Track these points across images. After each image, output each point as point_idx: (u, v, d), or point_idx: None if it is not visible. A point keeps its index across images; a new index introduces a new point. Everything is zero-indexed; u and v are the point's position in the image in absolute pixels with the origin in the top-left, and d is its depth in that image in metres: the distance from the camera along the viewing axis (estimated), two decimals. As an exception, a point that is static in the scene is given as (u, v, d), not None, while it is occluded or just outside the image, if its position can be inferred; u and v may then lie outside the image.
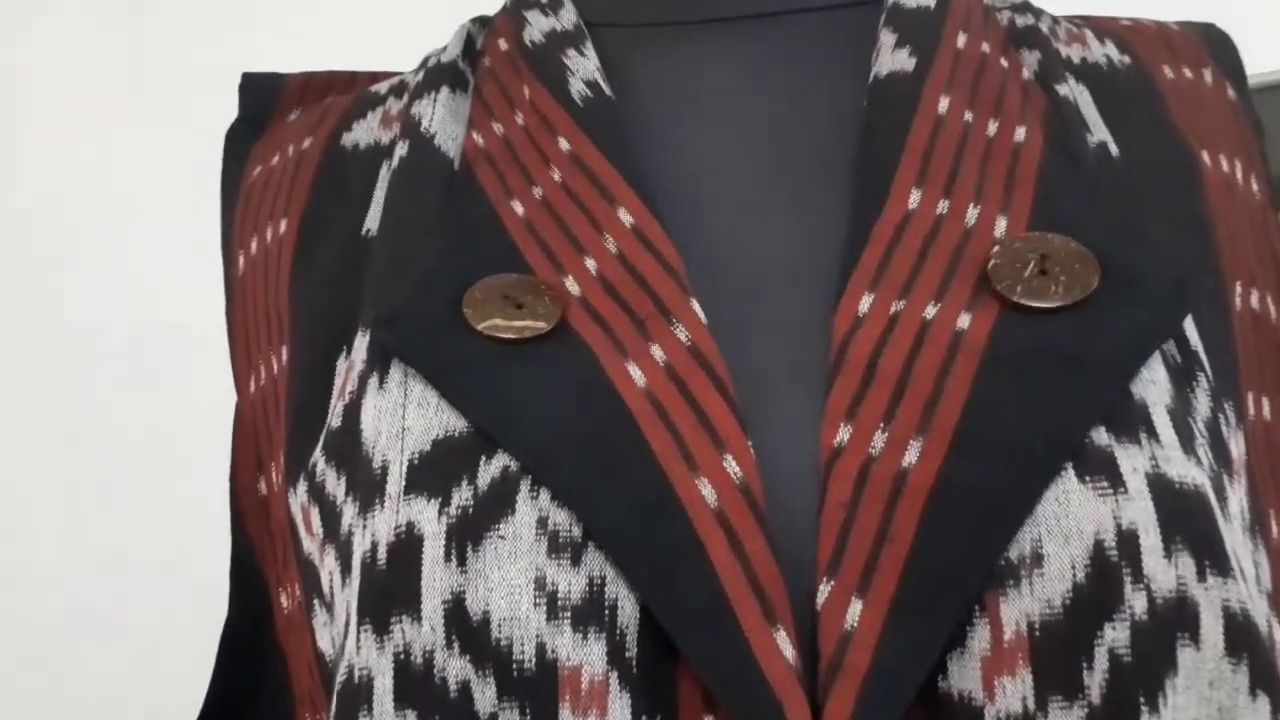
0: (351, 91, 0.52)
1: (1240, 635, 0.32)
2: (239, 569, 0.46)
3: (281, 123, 0.52)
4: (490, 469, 0.34)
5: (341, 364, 0.42)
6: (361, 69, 0.55)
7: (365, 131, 0.48)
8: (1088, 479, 0.33)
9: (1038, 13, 0.50)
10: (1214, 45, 0.51)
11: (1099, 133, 0.44)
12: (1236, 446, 0.40)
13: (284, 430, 0.44)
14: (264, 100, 0.52)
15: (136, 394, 0.98)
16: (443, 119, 0.45)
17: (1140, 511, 0.32)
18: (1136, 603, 0.31)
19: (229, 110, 0.53)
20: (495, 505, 0.33)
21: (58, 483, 0.99)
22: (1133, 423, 0.34)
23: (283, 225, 0.47)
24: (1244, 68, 0.53)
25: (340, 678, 0.35)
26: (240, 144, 0.51)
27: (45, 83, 1.01)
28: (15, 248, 1.00)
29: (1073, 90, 0.45)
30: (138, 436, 0.97)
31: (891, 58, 0.43)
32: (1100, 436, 0.33)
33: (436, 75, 0.47)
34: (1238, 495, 0.38)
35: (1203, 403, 0.38)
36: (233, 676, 0.45)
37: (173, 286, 0.68)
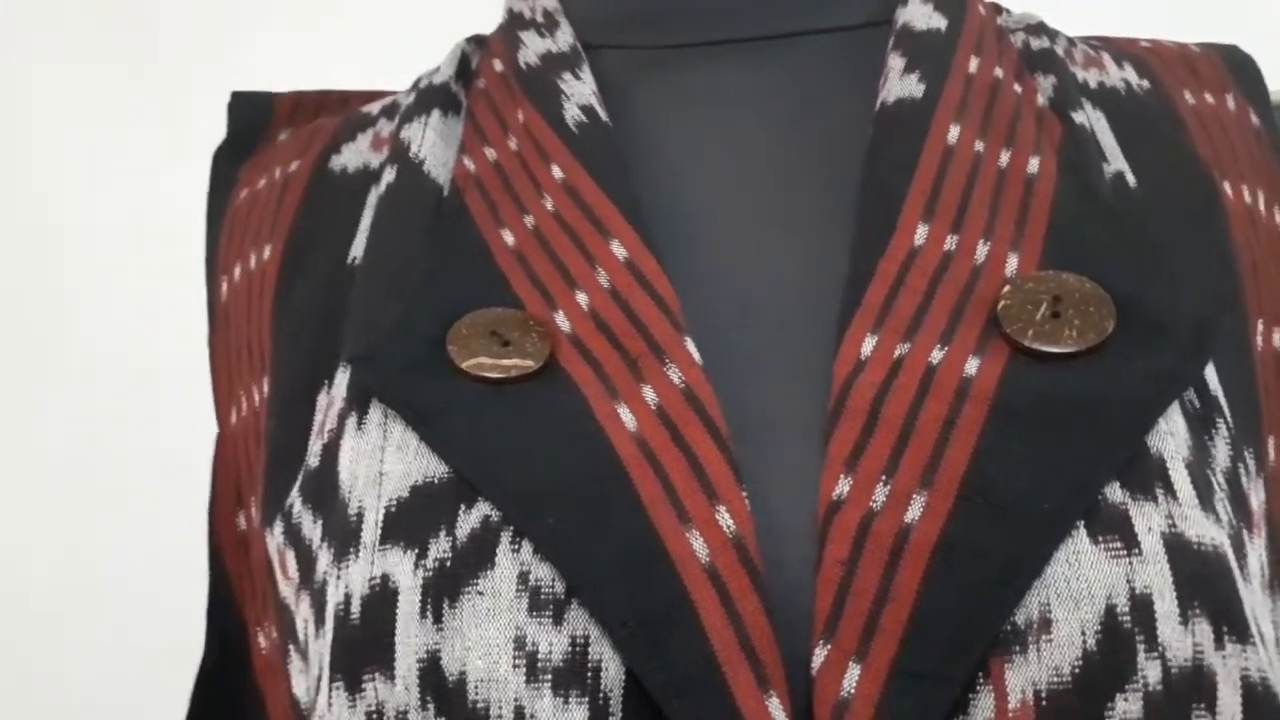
0: (343, 112, 0.50)
1: (1260, 706, 0.30)
2: (216, 605, 0.45)
3: (271, 144, 0.50)
4: (470, 519, 0.33)
5: (322, 399, 0.40)
6: (360, 87, 0.54)
7: (354, 154, 0.47)
8: (1100, 539, 0.31)
9: (1053, 34, 0.48)
10: (1237, 69, 0.50)
11: (1116, 162, 0.43)
12: (1257, 497, 0.38)
13: (262, 465, 0.42)
14: (253, 121, 0.51)
15: (142, 414, 0.97)
16: (433, 143, 0.43)
17: (1155, 574, 0.31)
18: (1150, 672, 0.30)
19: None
20: (474, 558, 0.32)
21: (61, 503, 0.98)
22: (1148, 479, 0.32)
23: (267, 251, 0.46)
24: (1268, 92, 0.51)
25: None
26: (227, 166, 0.50)
27: (45, 100, 1.01)
28: (15, 265, 0.99)
29: (1089, 117, 0.44)
30: (143, 457, 0.96)
31: (900, 84, 0.42)
32: (1114, 493, 0.32)
33: (428, 97, 0.45)
34: (1257, 551, 0.36)
35: (1222, 452, 0.36)
36: (210, 715, 0.44)
37: (178, 306, 0.67)
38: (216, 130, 0.52)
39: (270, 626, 0.42)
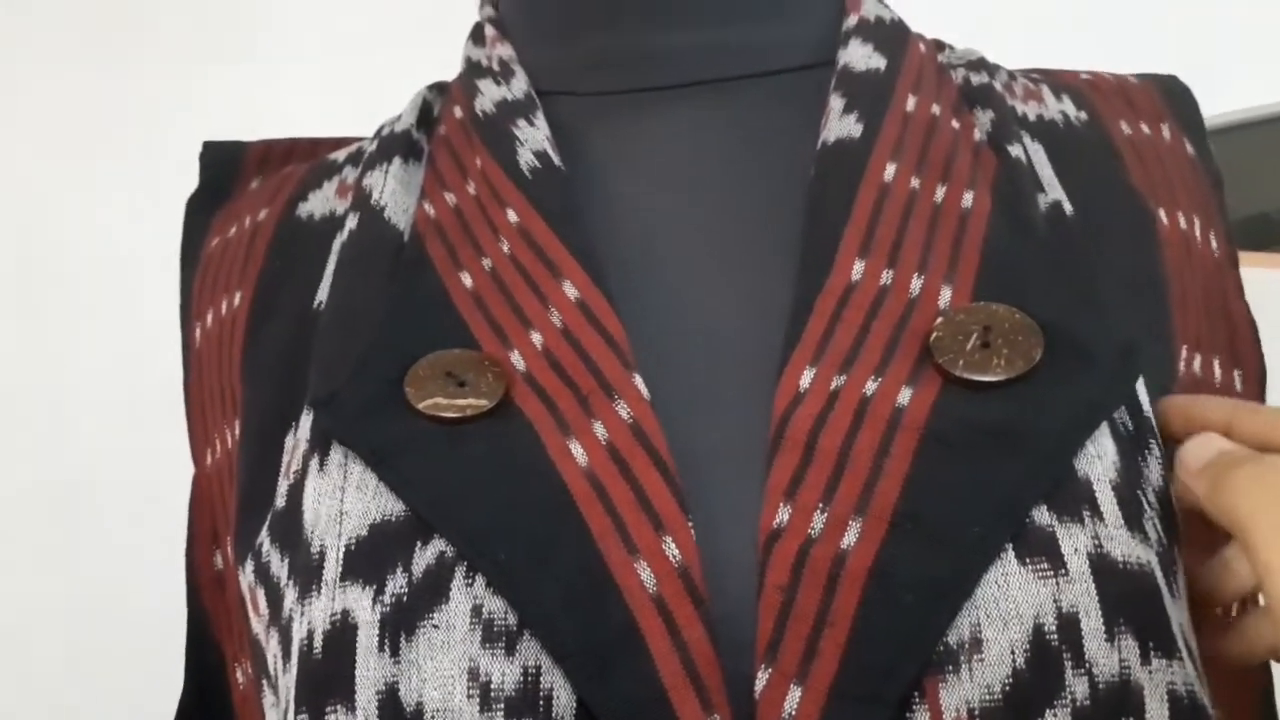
0: (312, 160, 0.52)
1: (1185, 718, 0.32)
2: (195, 643, 0.46)
3: (242, 192, 0.52)
4: (426, 555, 0.34)
5: (289, 441, 0.41)
6: (329, 132, 0.56)
7: (321, 201, 0.49)
8: (1028, 561, 0.32)
9: (994, 70, 0.50)
10: (1173, 99, 0.51)
11: (1053, 192, 0.44)
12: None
13: (235, 506, 0.43)
14: (224, 169, 0.52)
15: (131, 446, 0.98)
16: (393, 190, 0.45)
17: (1082, 594, 0.32)
18: (1078, 688, 0.31)
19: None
20: (429, 593, 0.33)
21: (50, 535, 0.99)
22: (1075, 501, 0.34)
23: (237, 298, 0.47)
24: (1203, 121, 0.53)
25: None
26: (200, 214, 0.51)
27: (20, 139, 1.02)
28: (9, 301, 1.00)
29: (1027, 149, 0.45)
30: (132, 491, 0.96)
31: (839, 124, 0.43)
32: (1042, 516, 0.33)
33: (389, 145, 0.47)
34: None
35: (1154, 472, 0.37)
36: None
37: (159, 344, 0.69)
38: (191, 170, 0.53)
39: (246, 663, 0.44)
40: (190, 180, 0.53)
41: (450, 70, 0.53)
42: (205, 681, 0.46)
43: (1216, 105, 0.88)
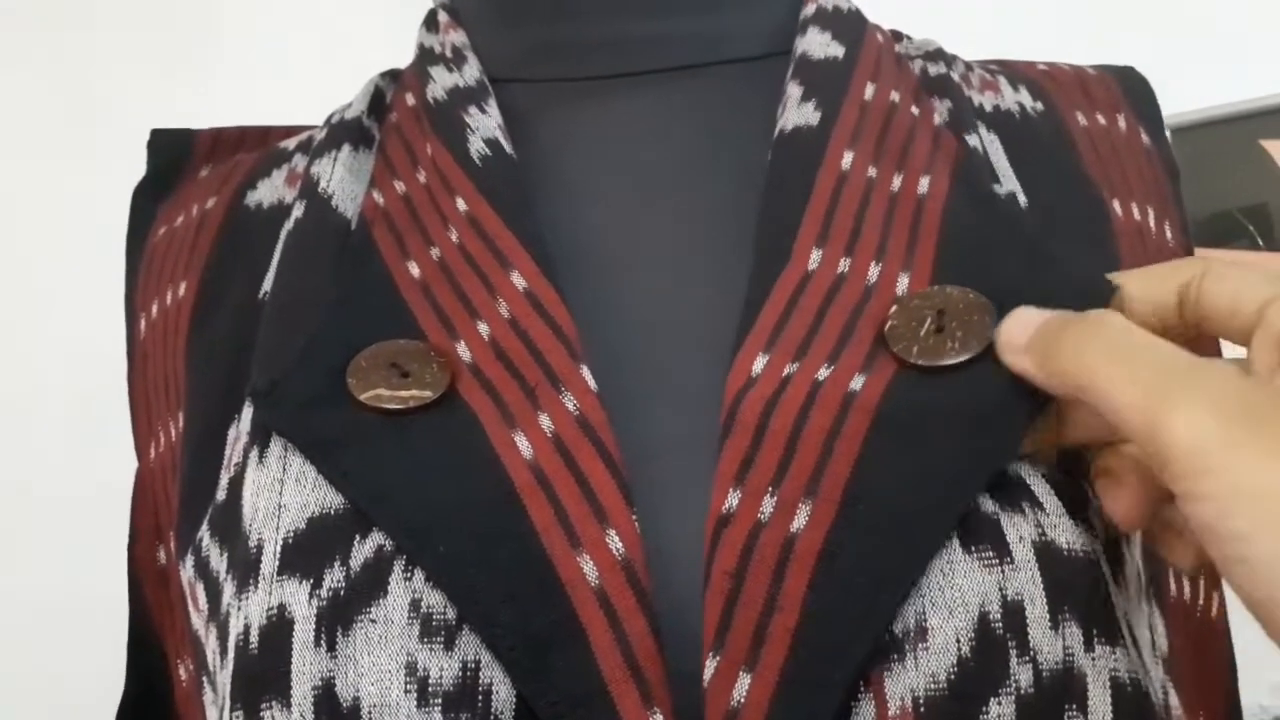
0: (263, 147, 0.51)
1: (1129, 705, 0.31)
2: (136, 640, 0.45)
3: (190, 180, 0.51)
4: (365, 549, 0.33)
5: (232, 434, 0.41)
6: (296, 119, 0.55)
7: (269, 190, 0.48)
8: (973, 549, 0.32)
9: (950, 60, 0.49)
10: (1130, 89, 0.51)
11: (1009, 183, 0.44)
12: None
13: (177, 500, 0.43)
14: (172, 157, 0.51)
15: (84, 451, 0.96)
16: (341, 178, 0.44)
17: (1027, 581, 0.32)
18: (1022, 676, 0.31)
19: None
20: (367, 587, 0.32)
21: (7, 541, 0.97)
22: (1020, 490, 0.33)
23: (182, 288, 0.46)
24: (1160, 112, 0.53)
25: None
26: (146, 203, 0.50)
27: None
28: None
29: (983, 139, 0.45)
30: (86, 495, 0.95)
31: (797, 112, 0.43)
32: (987, 505, 0.33)
33: (339, 133, 0.46)
34: (1133, 556, 0.38)
35: None
36: None
37: (111, 341, 0.67)
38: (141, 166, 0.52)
39: (188, 659, 0.43)
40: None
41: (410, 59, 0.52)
42: (147, 679, 0.45)
43: (1181, 104, 0.89)
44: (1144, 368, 0.30)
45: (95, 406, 0.88)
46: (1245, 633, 0.36)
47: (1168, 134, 0.85)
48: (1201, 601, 0.45)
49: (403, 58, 0.51)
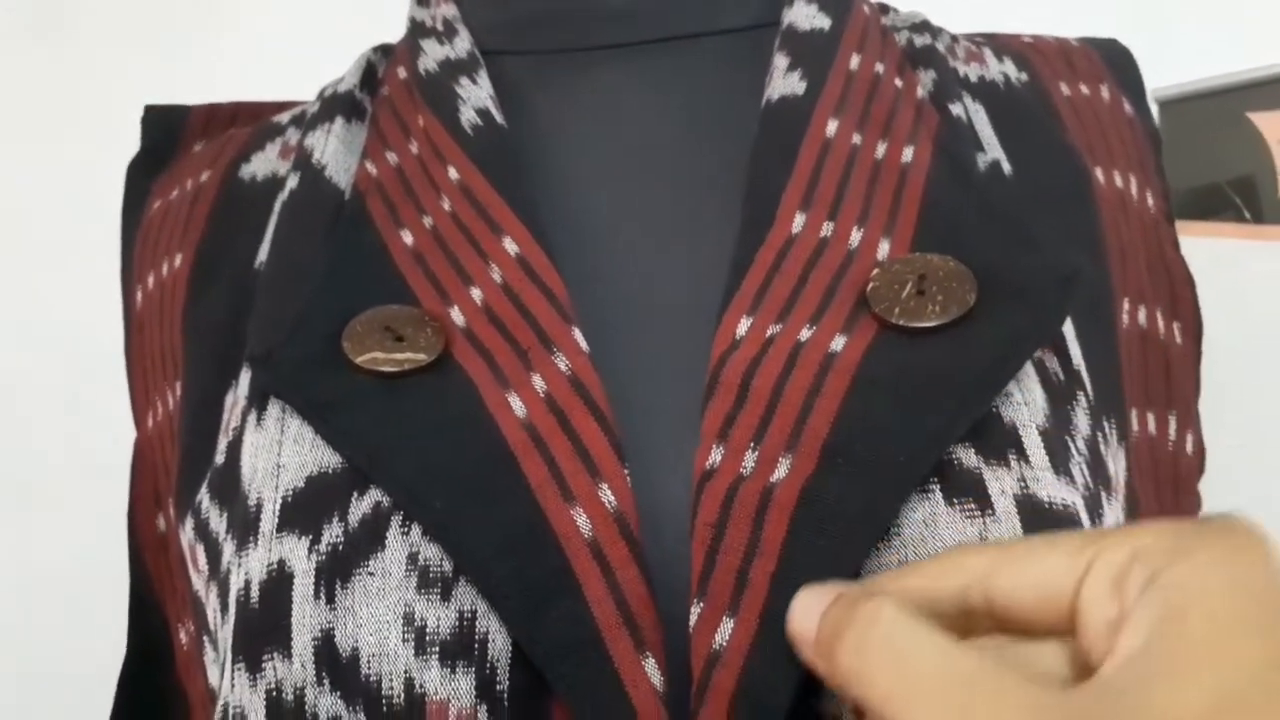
0: (256, 122, 0.52)
1: None
2: (137, 606, 0.46)
3: (185, 156, 0.51)
4: (362, 505, 0.34)
5: (229, 400, 0.41)
6: (279, 98, 0.55)
7: (263, 163, 0.48)
8: (955, 501, 0.33)
9: (936, 32, 0.50)
10: (1113, 61, 0.52)
11: (993, 151, 0.45)
12: (1116, 464, 0.40)
13: (176, 466, 0.43)
14: (167, 133, 0.52)
15: (73, 432, 0.97)
16: (335, 150, 0.45)
17: (1007, 532, 0.32)
18: None
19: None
20: (365, 542, 0.33)
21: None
22: (1002, 445, 0.34)
23: (178, 259, 0.47)
24: (1143, 83, 0.54)
25: (216, 715, 0.34)
26: (141, 178, 0.51)
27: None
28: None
29: (968, 109, 0.46)
30: (76, 474, 0.96)
31: (783, 81, 0.44)
32: (969, 459, 0.34)
33: (332, 106, 0.47)
34: (1114, 513, 0.38)
35: (1082, 421, 0.38)
36: (133, 714, 0.45)
37: (108, 319, 0.68)
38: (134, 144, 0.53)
39: (189, 622, 0.43)
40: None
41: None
42: (148, 644, 0.46)
43: (1169, 77, 0.89)
44: (922, 681, 0.24)
45: (88, 382, 0.89)
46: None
47: (1154, 106, 0.86)
48: None
49: (397, 34, 0.52)
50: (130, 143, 0.53)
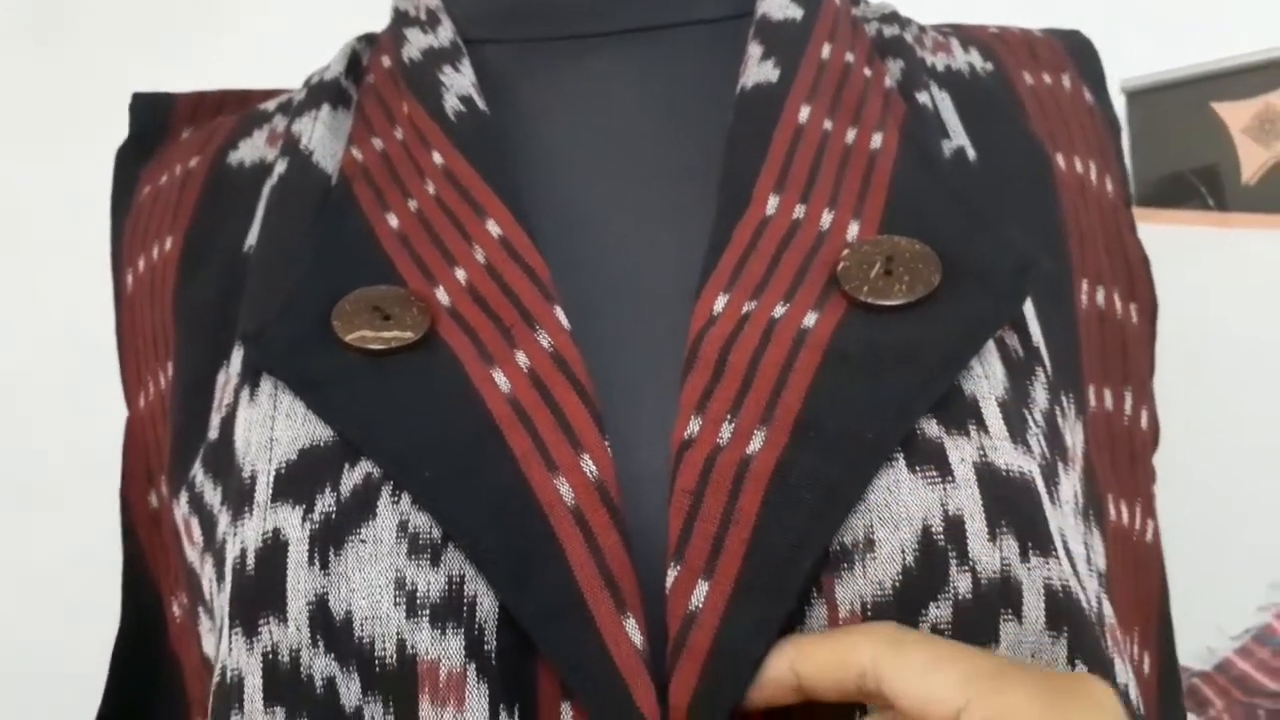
0: (243, 110, 0.53)
1: (1060, 610, 0.34)
2: (130, 582, 0.47)
3: (173, 142, 0.53)
4: (353, 476, 0.35)
5: (221, 378, 0.43)
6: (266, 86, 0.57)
7: (251, 149, 0.49)
8: (918, 469, 0.35)
9: (904, 22, 0.52)
10: (1075, 51, 0.54)
11: (958, 138, 0.46)
12: (1073, 437, 0.42)
13: (169, 444, 0.45)
14: (155, 120, 0.53)
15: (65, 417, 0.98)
16: (322, 136, 0.46)
17: (967, 498, 0.34)
18: (960, 583, 0.33)
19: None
20: (357, 511, 0.35)
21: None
22: (963, 416, 0.36)
23: (168, 243, 0.48)
24: (1104, 72, 0.55)
25: (214, 679, 0.36)
26: (130, 164, 0.52)
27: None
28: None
29: (934, 97, 0.47)
30: (76, 474, 0.96)
31: (757, 69, 0.45)
32: (931, 429, 0.35)
33: (318, 93, 0.48)
34: (1071, 481, 0.40)
35: (1040, 395, 0.40)
36: (127, 685, 0.46)
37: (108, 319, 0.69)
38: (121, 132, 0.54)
39: (182, 594, 0.45)
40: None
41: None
42: (142, 616, 0.47)
43: (1134, 68, 0.91)
44: None
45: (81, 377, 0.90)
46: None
47: (1121, 96, 0.88)
48: (1138, 527, 0.48)
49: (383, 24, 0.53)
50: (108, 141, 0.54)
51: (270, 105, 0.52)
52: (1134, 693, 0.36)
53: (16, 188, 1.00)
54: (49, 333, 0.98)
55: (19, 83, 1.01)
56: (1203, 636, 0.84)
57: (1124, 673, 0.37)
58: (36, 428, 0.97)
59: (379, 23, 0.55)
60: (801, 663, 0.32)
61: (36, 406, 0.97)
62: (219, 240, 0.47)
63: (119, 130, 0.53)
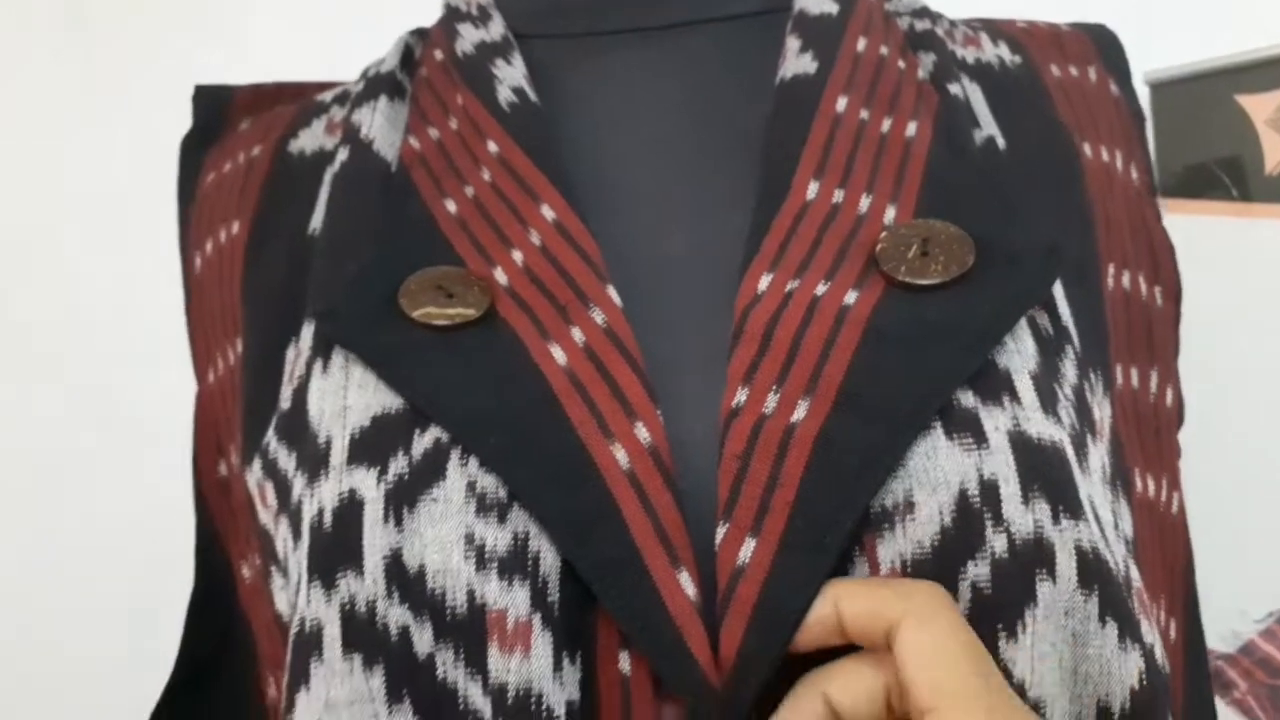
0: (298, 101, 0.55)
1: (1091, 570, 0.36)
2: (203, 546, 0.50)
3: (233, 131, 0.55)
4: (424, 441, 0.38)
5: (290, 353, 0.45)
6: (309, 79, 0.59)
7: (311, 138, 0.52)
8: (954, 436, 0.37)
9: (935, 17, 0.54)
10: (1101, 44, 0.56)
11: (988, 128, 0.48)
12: (1101, 411, 0.44)
13: (239, 416, 0.47)
14: (216, 111, 0.56)
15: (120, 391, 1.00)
16: (381, 125, 0.48)
17: (1001, 464, 0.36)
18: (997, 543, 0.35)
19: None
20: (428, 472, 0.37)
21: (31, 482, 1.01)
22: (997, 387, 0.38)
23: (235, 226, 0.51)
24: (1129, 65, 0.57)
25: (294, 630, 0.38)
26: (194, 152, 0.55)
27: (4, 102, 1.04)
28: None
29: (965, 89, 0.49)
30: (76, 473, 0.98)
31: (796, 62, 0.47)
32: (967, 399, 0.37)
33: (376, 85, 0.51)
34: (1099, 452, 0.42)
35: (1070, 370, 0.42)
36: (200, 639, 0.49)
37: (152, 288, 0.71)
38: (163, 128, 0.56)
39: (254, 555, 0.47)
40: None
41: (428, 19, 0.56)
42: (213, 576, 0.49)
43: (1160, 61, 0.93)
44: None
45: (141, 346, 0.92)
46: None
47: (1147, 89, 0.89)
48: (1164, 499, 0.50)
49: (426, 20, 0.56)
50: (157, 129, 0.56)
51: (327, 96, 0.54)
52: (1159, 653, 0.38)
53: (53, 174, 1.03)
54: (91, 318, 1.00)
55: (51, 70, 1.04)
56: (1227, 620, 0.85)
57: (1150, 633, 0.39)
58: (37, 429, 0.99)
59: (411, 12, 0.57)
60: (845, 602, 0.34)
61: (44, 406, 0.99)
62: (283, 224, 0.49)
63: (156, 113, 0.55)
